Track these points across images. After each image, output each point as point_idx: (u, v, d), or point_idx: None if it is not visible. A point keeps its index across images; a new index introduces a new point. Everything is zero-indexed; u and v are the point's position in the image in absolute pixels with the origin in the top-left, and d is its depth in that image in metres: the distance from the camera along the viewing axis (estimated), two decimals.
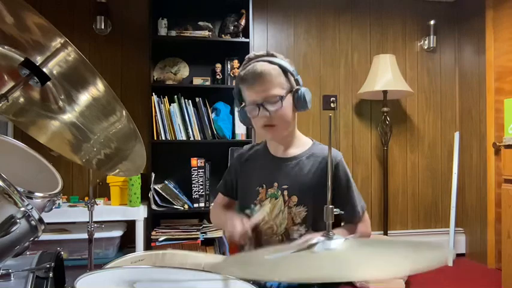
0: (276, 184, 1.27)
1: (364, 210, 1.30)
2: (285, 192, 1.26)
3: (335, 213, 0.78)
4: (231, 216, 1.23)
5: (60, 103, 1.10)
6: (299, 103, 1.25)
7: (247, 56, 1.31)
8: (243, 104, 1.29)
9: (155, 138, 2.81)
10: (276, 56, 1.27)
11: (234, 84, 3.20)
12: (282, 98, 1.21)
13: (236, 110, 1.36)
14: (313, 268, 0.63)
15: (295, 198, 1.25)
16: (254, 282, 0.85)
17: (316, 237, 1.12)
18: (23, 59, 0.98)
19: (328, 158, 0.82)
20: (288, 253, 0.70)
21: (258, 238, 1.27)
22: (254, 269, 0.66)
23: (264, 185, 1.29)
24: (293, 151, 1.31)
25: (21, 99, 1.09)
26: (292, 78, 1.25)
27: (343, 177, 1.28)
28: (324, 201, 1.23)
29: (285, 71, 1.24)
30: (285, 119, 1.24)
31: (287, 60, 1.28)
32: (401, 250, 0.71)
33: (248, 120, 1.30)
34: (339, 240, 0.71)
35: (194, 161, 2.89)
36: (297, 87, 1.25)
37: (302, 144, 1.33)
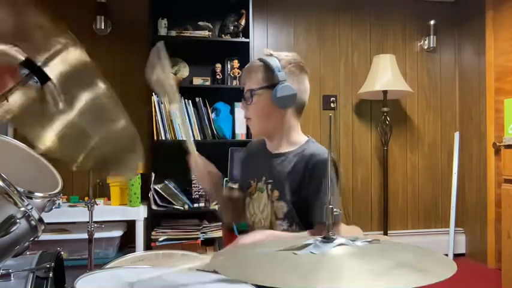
0: (263, 178, 1.31)
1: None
2: (269, 187, 1.29)
3: (335, 213, 0.78)
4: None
5: (60, 104, 1.10)
6: (274, 99, 1.22)
7: None
8: None
9: (155, 138, 2.81)
10: (271, 55, 1.27)
11: (234, 83, 3.22)
12: (252, 91, 1.26)
13: None
14: (306, 274, 0.62)
15: (276, 193, 1.27)
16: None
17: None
18: (23, 59, 0.98)
19: (328, 157, 0.82)
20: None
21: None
22: (248, 271, 0.66)
23: (256, 178, 1.34)
24: (285, 148, 1.32)
25: (21, 103, 1.09)
26: (275, 75, 1.22)
27: (319, 177, 1.21)
28: (301, 199, 1.22)
29: (268, 67, 1.24)
30: (258, 114, 1.28)
31: (288, 57, 1.27)
32: (402, 257, 0.69)
33: None
34: (334, 244, 0.70)
35: None
36: (277, 82, 1.22)
37: (295, 142, 1.32)
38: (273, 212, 1.27)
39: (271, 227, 1.28)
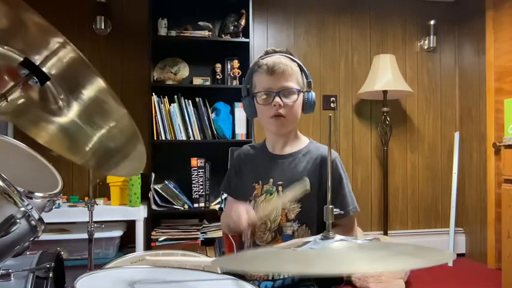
0: (271, 180, 1.30)
1: (354, 212, 1.29)
2: (280, 188, 1.28)
3: (335, 213, 0.78)
4: (237, 206, 1.19)
5: (60, 103, 1.10)
6: (307, 105, 1.29)
7: (265, 50, 1.33)
8: (254, 92, 1.30)
9: (155, 138, 2.81)
10: (294, 56, 1.31)
11: (234, 83, 3.20)
12: (299, 91, 1.26)
13: (243, 98, 1.37)
14: (307, 262, 0.63)
15: None
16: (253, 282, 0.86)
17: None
18: (22, 59, 0.98)
19: (328, 157, 0.83)
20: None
21: (252, 234, 1.29)
22: (249, 263, 0.67)
23: (260, 181, 1.31)
24: (290, 149, 1.34)
25: (21, 100, 1.09)
26: (305, 80, 1.30)
27: (336, 175, 1.28)
28: (317, 198, 1.24)
29: (302, 70, 1.29)
30: (294, 113, 1.28)
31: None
32: (400, 249, 0.70)
33: (253, 109, 1.31)
34: (334, 240, 0.71)
35: (194, 161, 2.89)
36: (308, 89, 1.30)
37: (299, 143, 1.36)
38: (284, 213, 1.26)
39: (280, 229, 1.27)
